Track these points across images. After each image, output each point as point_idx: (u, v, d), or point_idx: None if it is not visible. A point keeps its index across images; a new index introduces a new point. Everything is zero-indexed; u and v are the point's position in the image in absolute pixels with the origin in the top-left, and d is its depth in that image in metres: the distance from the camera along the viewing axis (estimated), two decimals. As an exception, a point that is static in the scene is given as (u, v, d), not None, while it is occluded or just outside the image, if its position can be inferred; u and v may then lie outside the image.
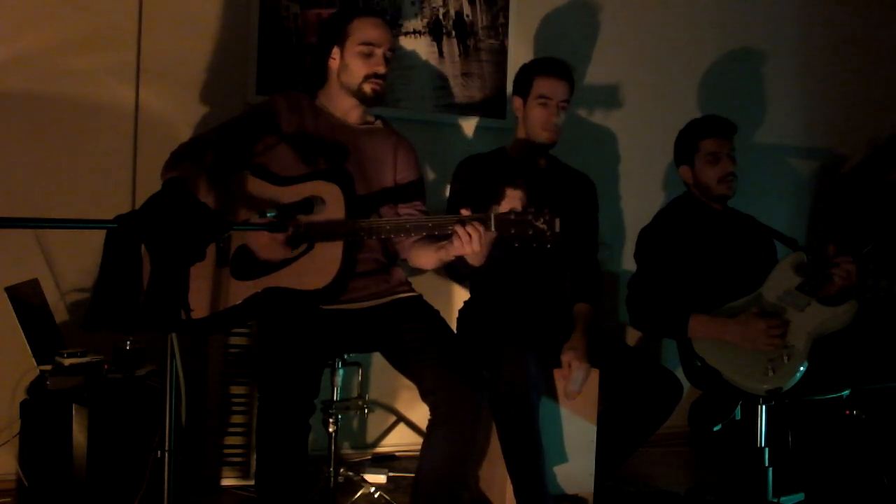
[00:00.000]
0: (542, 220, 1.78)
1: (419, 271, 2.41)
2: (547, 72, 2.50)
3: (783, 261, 2.46)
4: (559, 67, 2.51)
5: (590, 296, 2.52)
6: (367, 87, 2.15)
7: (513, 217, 1.81)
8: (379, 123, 2.29)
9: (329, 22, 2.28)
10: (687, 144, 2.59)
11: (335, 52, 2.18)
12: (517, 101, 2.56)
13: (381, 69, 2.15)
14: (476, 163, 2.57)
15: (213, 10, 2.70)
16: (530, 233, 1.79)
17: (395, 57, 2.28)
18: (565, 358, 2.33)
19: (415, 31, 2.95)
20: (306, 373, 1.95)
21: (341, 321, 2.12)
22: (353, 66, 2.14)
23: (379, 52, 2.15)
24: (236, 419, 2.51)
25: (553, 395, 2.39)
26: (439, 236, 1.97)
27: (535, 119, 2.49)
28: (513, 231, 1.80)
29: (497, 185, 2.47)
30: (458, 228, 1.85)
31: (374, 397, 2.94)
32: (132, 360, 2.27)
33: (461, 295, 2.67)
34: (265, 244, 1.97)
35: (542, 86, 2.48)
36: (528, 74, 2.53)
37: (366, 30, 2.14)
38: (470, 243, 1.85)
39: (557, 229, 1.78)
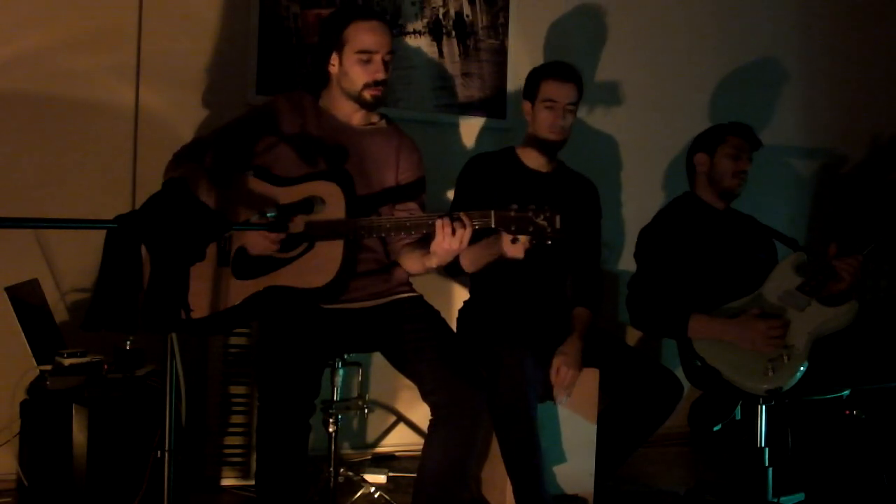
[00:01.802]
0: (542, 216, 1.78)
1: (419, 271, 2.42)
2: (552, 75, 2.51)
3: (784, 261, 2.46)
4: (565, 70, 2.52)
5: (589, 301, 2.52)
6: (368, 95, 2.13)
7: (513, 214, 1.81)
8: (383, 123, 2.28)
9: (326, 25, 2.22)
10: (715, 135, 2.61)
11: (334, 58, 2.14)
12: (526, 105, 2.58)
13: (381, 75, 2.12)
14: (484, 161, 2.58)
15: (213, 10, 2.70)
16: (530, 229, 1.79)
17: (396, 57, 2.24)
18: (555, 362, 2.34)
19: (415, 31, 2.95)
20: (306, 373, 1.95)
21: (342, 321, 2.12)
22: (352, 73, 2.11)
23: (378, 57, 2.10)
24: (236, 419, 2.51)
25: (552, 395, 2.39)
26: (428, 242, 1.97)
27: (542, 122, 2.51)
28: (513, 228, 1.81)
29: (504, 187, 2.49)
30: (437, 222, 1.86)
31: (374, 397, 2.94)
32: (132, 360, 2.27)
33: (461, 295, 2.68)
34: (255, 239, 1.97)
35: (548, 89, 2.49)
36: (535, 79, 2.55)
37: (363, 36, 2.09)
38: (452, 239, 1.86)
39: (558, 226, 1.78)
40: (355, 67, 2.10)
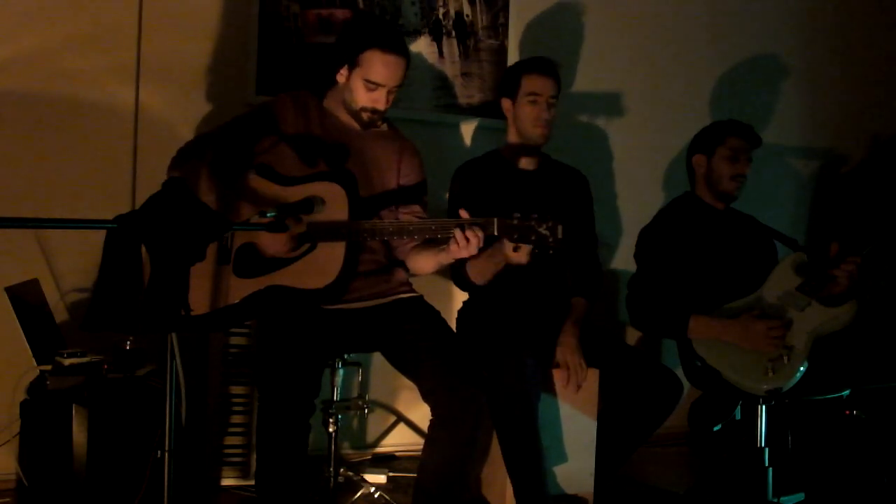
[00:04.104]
0: (544, 226, 1.79)
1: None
2: (533, 70, 2.52)
3: (783, 261, 2.46)
4: (545, 65, 2.54)
5: (586, 290, 2.53)
6: (364, 115, 2.15)
7: (516, 222, 1.81)
8: (384, 126, 2.29)
9: (347, 35, 2.18)
10: (714, 136, 2.60)
11: (344, 70, 2.13)
12: (506, 103, 2.58)
13: (381, 106, 2.13)
14: (472, 168, 2.58)
15: (213, 9, 2.70)
16: (533, 238, 1.79)
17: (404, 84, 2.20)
18: (558, 352, 2.35)
19: (415, 31, 2.95)
20: (306, 373, 1.95)
21: (342, 321, 2.13)
22: (356, 92, 2.12)
23: (384, 90, 2.10)
24: (236, 419, 2.51)
25: (553, 394, 2.39)
26: (438, 240, 1.97)
27: (526, 117, 2.51)
28: (515, 236, 1.81)
29: (495, 190, 2.49)
30: (457, 232, 1.86)
31: (374, 397, 2.94)
32: (132, 360, 2.27)
33: (461, 295, 2.67)
34: (270, 240, 1.97)
35: (530, 83, 2.50)
36: (514, 74, 2.56)
37: (377, 68, 2.07)
38: (467, 247, 1.86)
39: (560, 235, 1.79)
40: (360, 90, 2.11)
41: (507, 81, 2.59)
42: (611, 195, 3.25)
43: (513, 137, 2.59)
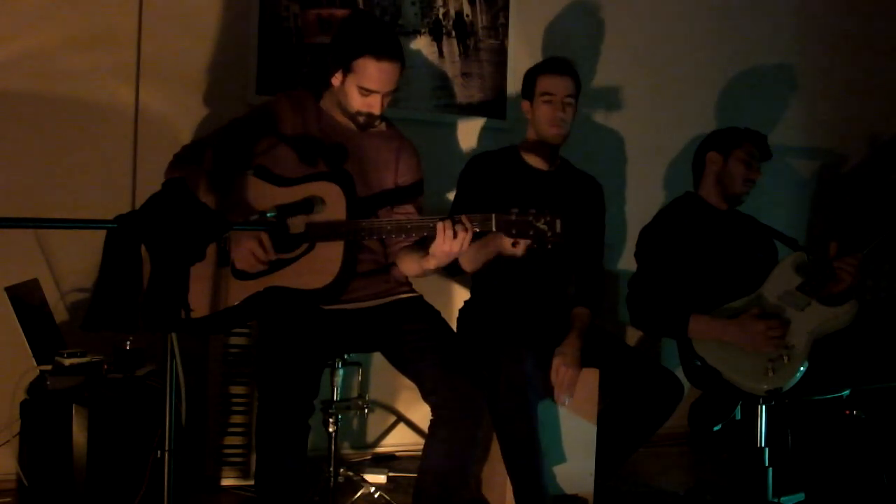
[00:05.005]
0: (543, 220, 1.78)
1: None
2: (548, 70, 2.53)
3: (784, 261, 2.47)
4: (560, 64, 2.54)
5: (590, 300, 2.52)
6: (360, 119, 2.14)
7: (514, 218, 1.81)
8: (383, 125, 2.28)
9: (340, 39, 2.14)
10: (731, 137, 2.61)
11: (338, 74, 2.12)
12: (525, 105, 2.59)
13: (376, 111, 2.12)
14: (487, 160, 2.58)
15: (213, 10, 2.71)
16: (531, 233, 1.79)
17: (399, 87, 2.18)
18: (555, 362, 2.34)
19: (415, 31, 2.95)
20: (306, 373, 1.95)
21: (342, 321, 2.13)
22: (350, 97, 2.11)
23: (378, 96, 2.09)
24: (236, 419, 2.51)
25: (553, 395, 2.38)
26: (426, 245, 1.97)
27: (542, 116, 2.51)
28: (514, 231, 1.81)
29: (506, 186, 2.49)
30: (439, 225, 1.86)
31: (374, 397, 2.94)
32: (132, 360, 2.27)
33: (461, 295, 2.68)
34: (243, 256, 1.96)
35: (545, 84, 2.51)
36: (531, 77, 2.57)
37: (370, 74, 2.05)
38: (452, 242, 1.85)
39: (558, 230, 1.78)
40: (355, 96, 2.10)
41: (525, 84, 2.60)
42: (612, 194, 3.23)
43: (531, 136, 2.60)
